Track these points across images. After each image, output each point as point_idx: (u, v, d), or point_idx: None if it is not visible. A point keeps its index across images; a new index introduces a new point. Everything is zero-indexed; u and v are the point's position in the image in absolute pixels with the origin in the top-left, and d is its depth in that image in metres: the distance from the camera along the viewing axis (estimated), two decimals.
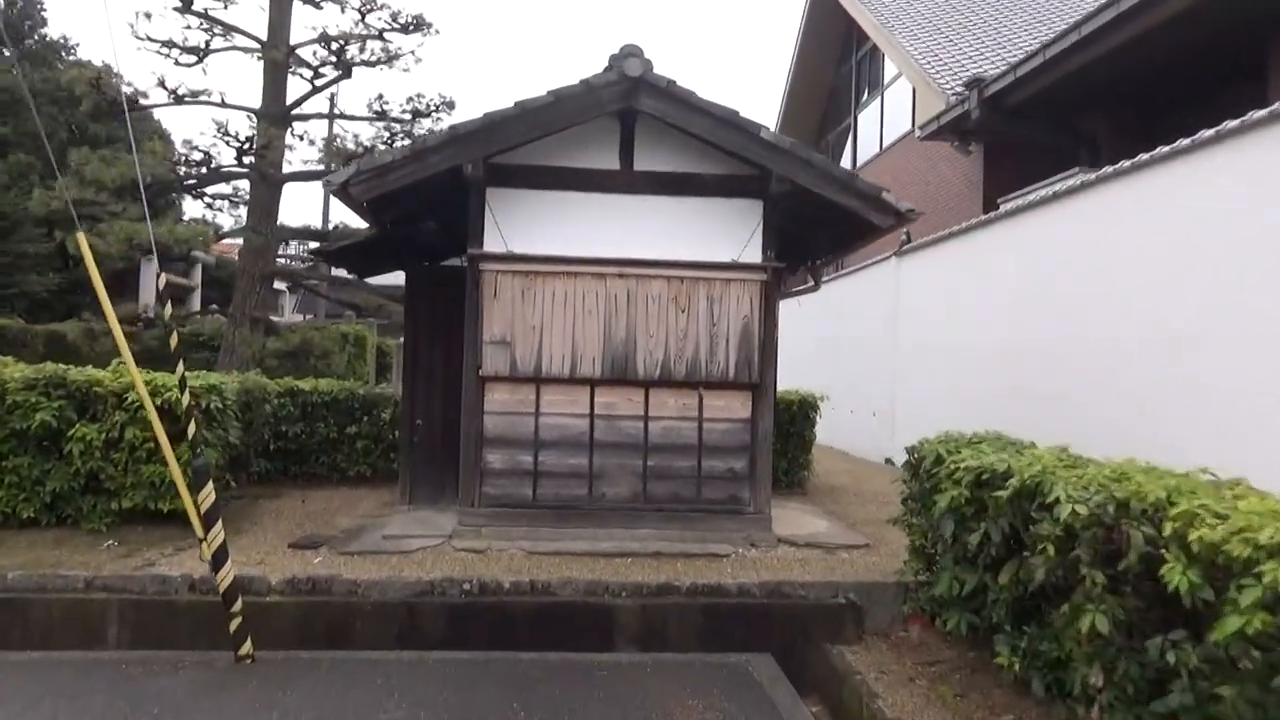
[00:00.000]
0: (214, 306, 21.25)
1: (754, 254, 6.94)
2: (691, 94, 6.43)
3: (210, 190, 13.12)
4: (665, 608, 5.69)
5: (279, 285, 16.54)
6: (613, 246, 6.84)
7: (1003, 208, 11.16)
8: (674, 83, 6.41)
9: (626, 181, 6.92)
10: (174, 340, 4.93)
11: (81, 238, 4.76)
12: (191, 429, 4.91)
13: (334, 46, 11.92)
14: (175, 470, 4.95)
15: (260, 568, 5.94)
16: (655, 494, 6.91)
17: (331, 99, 24.72)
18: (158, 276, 4.96)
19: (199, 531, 4.88)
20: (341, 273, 12.13)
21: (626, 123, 6.92)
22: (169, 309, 4.98)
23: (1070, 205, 8.90)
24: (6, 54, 21.64)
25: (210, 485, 4.89)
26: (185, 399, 4.93)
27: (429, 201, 7.21)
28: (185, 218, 19.47)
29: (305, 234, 13.10)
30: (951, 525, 4.85)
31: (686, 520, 6.87)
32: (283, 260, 14.54)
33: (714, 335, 6.90)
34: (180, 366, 4.96)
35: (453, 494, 7.87)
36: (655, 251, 6.87)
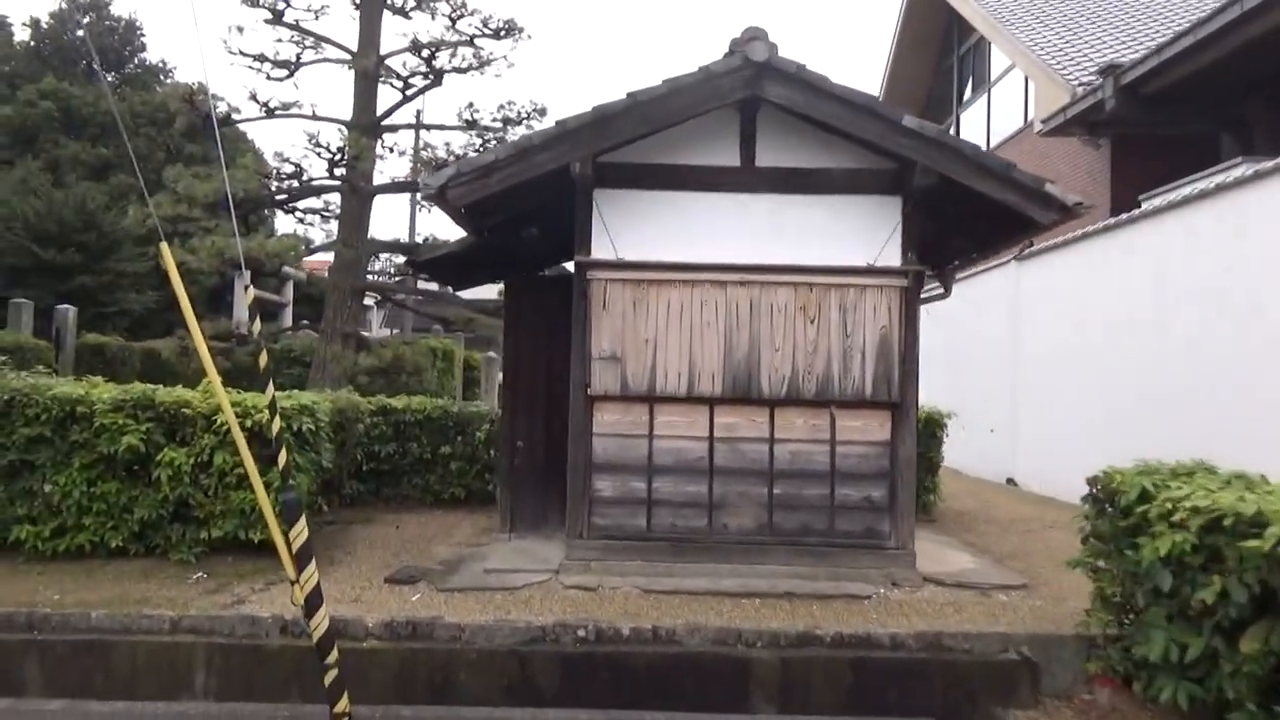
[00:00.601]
0: (305, 322, 21.35)
1: (892, 256, 6.19)
2: (825, 79, 5.73)
3: (301, 205, 12.92)
4: (807, 661, 4.96)
5: (367, 300, 16.36)
6: (733, 251, 6.18)
7: (1144, 205, 10.14)
8: (804, 67, 5.73)
9: (747, 179, 6.26)
10: (263, 358, 4.45)
11: (165, 250, 4.31)
12: (283, 457, 4.42)
13: (425, 54, 11.58)
14: (264, 502, 4.45)
15: (356, 606, 5.43)
16: (782, 525, 6.20)
17: (418, 114, 24.72)
18: (245, 290, 4.49)
19: (290, 572, 4.37)
20: (431, 286, 11.75)
21: (747, 114, 6.26)
22: (258, 324, 4.51)
23: (1232, 200, 7.92)
24: (109, 78, 22.18)
25: (303, 520, 4.37)
26: (276, 424, 4.44)
27: (530, 206, 6.66)
28: (277, 233, 19.52)
29: (394, 247, 12.79)
30: (1168, 577, 4.02)
31: (818, 555, 6.14)
32: (372, 275, 14.31)
33: (848, 348, 6.17)
34: (270, 388, 4.48)
35: (556, 521, 7.29)
36: (781, 256, 6.18)
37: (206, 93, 11.96)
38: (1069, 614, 5.49)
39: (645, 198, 6.24)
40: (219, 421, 6.15)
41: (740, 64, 5.70)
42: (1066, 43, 14.52)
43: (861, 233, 6.20)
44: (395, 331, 25.09)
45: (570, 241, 6.41)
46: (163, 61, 29.77)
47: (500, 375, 10.08)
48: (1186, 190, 9.14)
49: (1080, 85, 12.47)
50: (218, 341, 12.20)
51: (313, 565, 4.40)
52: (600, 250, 6.20)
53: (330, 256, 12.46)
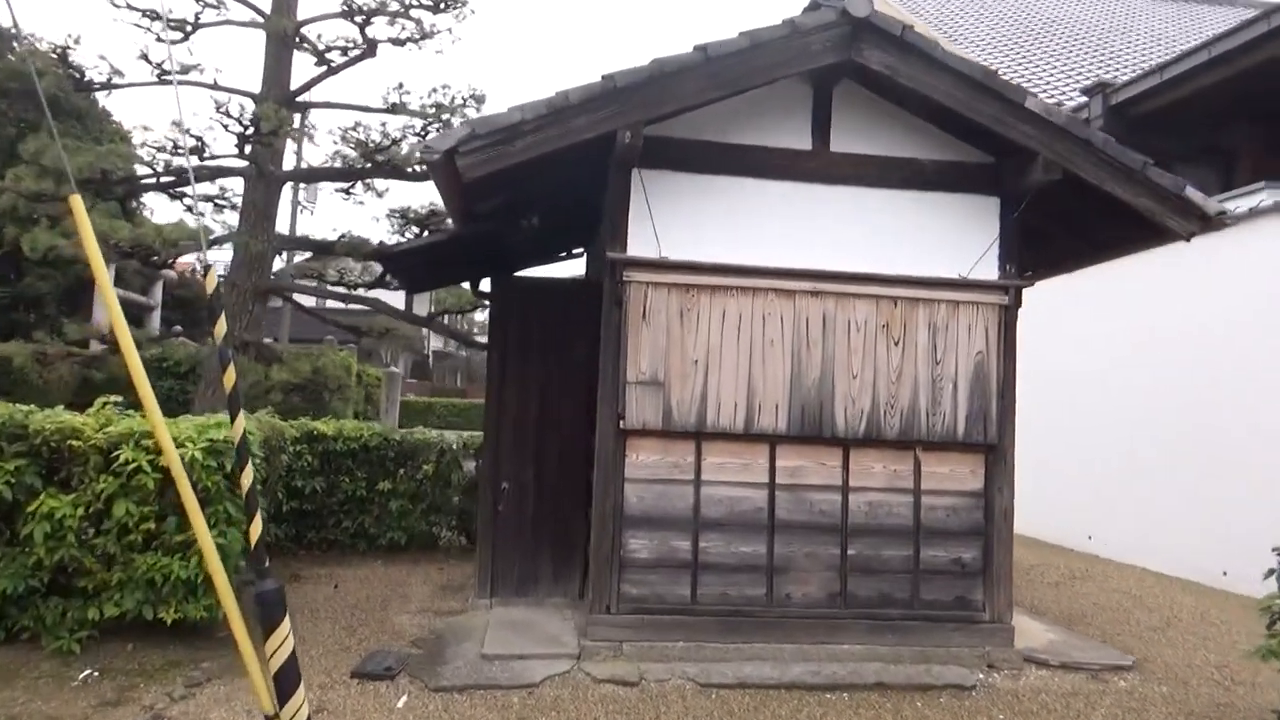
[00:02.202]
0: (178, 329, 18.90)
1: (989, 268, 5.15)
2: (936, 44, 4.65)
3: (190, 190, 10.95)
4: None
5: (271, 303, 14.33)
6: (803, 254, 5.01)
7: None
8: (910, 28, 4.63)
9: (821, 167, 5.10)
10: (229, 377, 2.94)
11: (78, 204, 2.77)
12: (255, 528, 2.92)
13: (359, 20, 9.95)
14: (220, 581, 2.93)
15: None
16: (858, 594, 5.02)
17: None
18: (205, 272, 2.96)
19: (265, 702, 2.87)
20: (377, 293, 10.09)
21: (823, 87, 5.11)
22: (222, 325, 2.99)
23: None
24: None
25: (286, 623, 2.89)
26: (247, 477, 2.95)
27: (542, 187, 5.30)
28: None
29: (308, 244, 10.99)
30: None
31: (900, 631, 4.98)
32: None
33: (936, 377, 5.07)
34: (241, 419, 2.97)
35: (548, 583, 5.91)
36: (859, 262, 5.05)
37: (69, 64, 9.94)
38: (1215, 709, 4.53)
39: (698, 184, 4.99)
40: (121, 458, 4.48)
41: (836, 19, 4.55)
42: (1023, 67, 14.12)
43: (954, 238, 5.13)
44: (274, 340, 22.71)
45: (583, 232, 5.14)
46: (15, 27, 26.39)
47: (398, 396, 8.60)
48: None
49: (1058, 104, 11.98)
50: (80, 349, 10.12)
51: (302, 692, 2.92)
52: (640, 246, 4.90)
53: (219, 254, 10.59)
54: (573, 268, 11.56)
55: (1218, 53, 9.22)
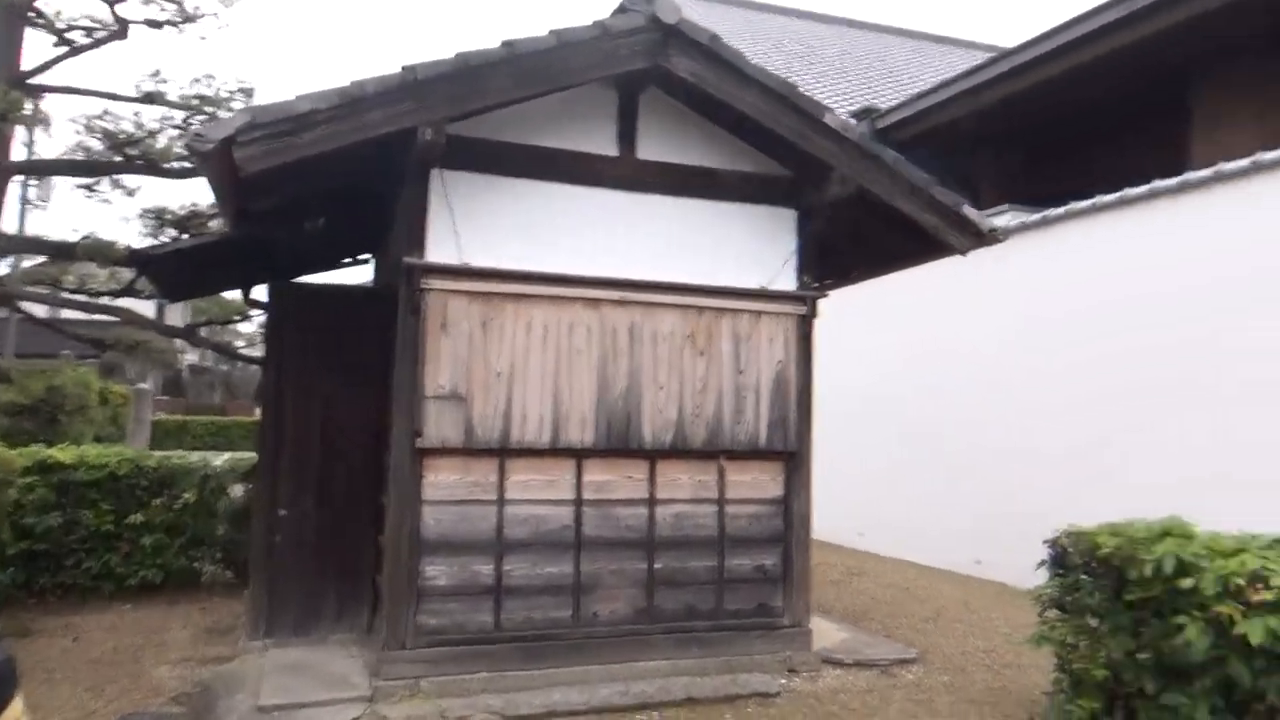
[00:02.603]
0: None
1: (788, 279, 5.27)
2: (741, 55, 4.69)
3: None
4: None
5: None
6: (611, 262, 4.89)
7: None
8: (718, 38, 4.64)
9: (628, 174, 5.01)
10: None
11: None
12: None
13: None
14: None
15: None
16: (665, 608, 4.95)
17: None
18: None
19: None
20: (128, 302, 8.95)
21: (630, 94, 5.01)
22: None
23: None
24: None
25: (18, 702, 2.36)
26: None
27: (328, 185, 4.85)
28: None
29: (41, 246, 9.56)
30: (1249, 673, 3.39)
31: (706, 644, 4.97)
32: None
33: (740, 387, 5.11)
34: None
35: (334, 618, 5.42)
36: (666, 272, 5.00)
37: None
38: (991, 694, 4.84)
39: (502, 187, 4.74)
40: None
41: (645, 24, 4.47)
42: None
43: (756, 249, 5.21)
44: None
45: (373, 236, 4.76)
46: None
47: (149, 415, 7.78)
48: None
49: None
50: None
51: None
52: (440, 252, 4.59)
53: None
54: (359, 275, 10.86)
55: (964, 87, 10.15)
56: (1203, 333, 6.46)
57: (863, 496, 10.17)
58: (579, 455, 4.83)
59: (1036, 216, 8.27)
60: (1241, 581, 3.44)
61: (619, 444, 4.86)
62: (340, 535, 5.41)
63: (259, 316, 9.38)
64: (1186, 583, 3.63)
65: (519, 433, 4.68)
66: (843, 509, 10.51)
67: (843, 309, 10.60)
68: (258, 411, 6.81)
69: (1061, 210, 7.91)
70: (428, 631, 4.53)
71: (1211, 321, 6.42)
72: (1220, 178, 6.51)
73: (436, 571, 4.57)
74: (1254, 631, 3.28)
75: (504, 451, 4.69)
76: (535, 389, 4.72)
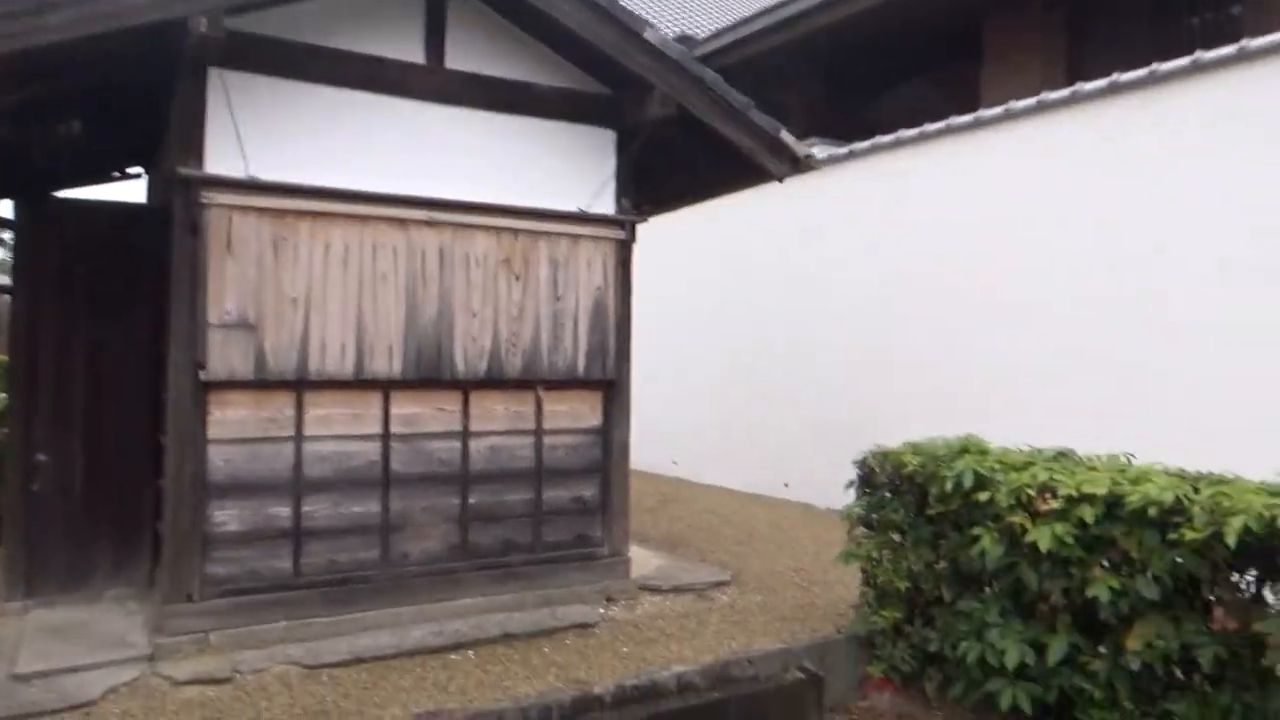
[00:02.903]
0: None
1: (607, 202, 5.10)
2: None
3: None
4: None
5: None
6: (419, 180, 4.54)
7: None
8: None
9: (438, 85, 4.62)
10: None
11: None
12: None
13: None
14: None
15: None
16: (481, 544, 4.77)
17: None
18: None
19: None
20: None
21: None
22: None
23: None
24: None
25: None
26: None
27: (89, 83, 4.17)
28: None
29: None
30: (1036, 577, 3.61)
31: (524, 578, 4.84)
32: None
33: (558, 314, 4.93)
34: None
35: (109, 572, 4.89)
36: (479, 191, 4.70)
37: None
38: (801, 610, 5.02)
39: (296, 93, 4.25)
40: None
41: None
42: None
43: (574, 170, 4.98)
44: None
45: (145, 146, 4.18)
46: None
47: None
48: None
49: None
50: None
51: None
52: (222, 163, 4.07)
53: None
54: (135, 191, 9.72)
55: (776, 19, 10.23)
56: (1009, 261, 6.82)
57: (677, 425, 10.33)
58: (386, 387, 4.51)
59: (844, 150, 8.47)
60: (1032, 493, 3.64)
61: (430, 374, 4.58)
62: (113, 480, 4.84)
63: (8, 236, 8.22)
64: (983, 496, 3.83)
65: (318, 363, 4.31)
66: (658, 437, 10.64)
67: (665, 236, 10.64)
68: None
69: (867, 144, 8.14)
70: (217, 581, 4.14)
71: (1010, 248, 6.81)
72: (1010, 115, 6.86)
73: (226, 516, 4.17)
74: (1042, 538, 3.49)
75: (302, 384, 4.30)
76: (336, 316, 4.34)
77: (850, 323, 8.18)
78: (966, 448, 4.24)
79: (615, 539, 5.13)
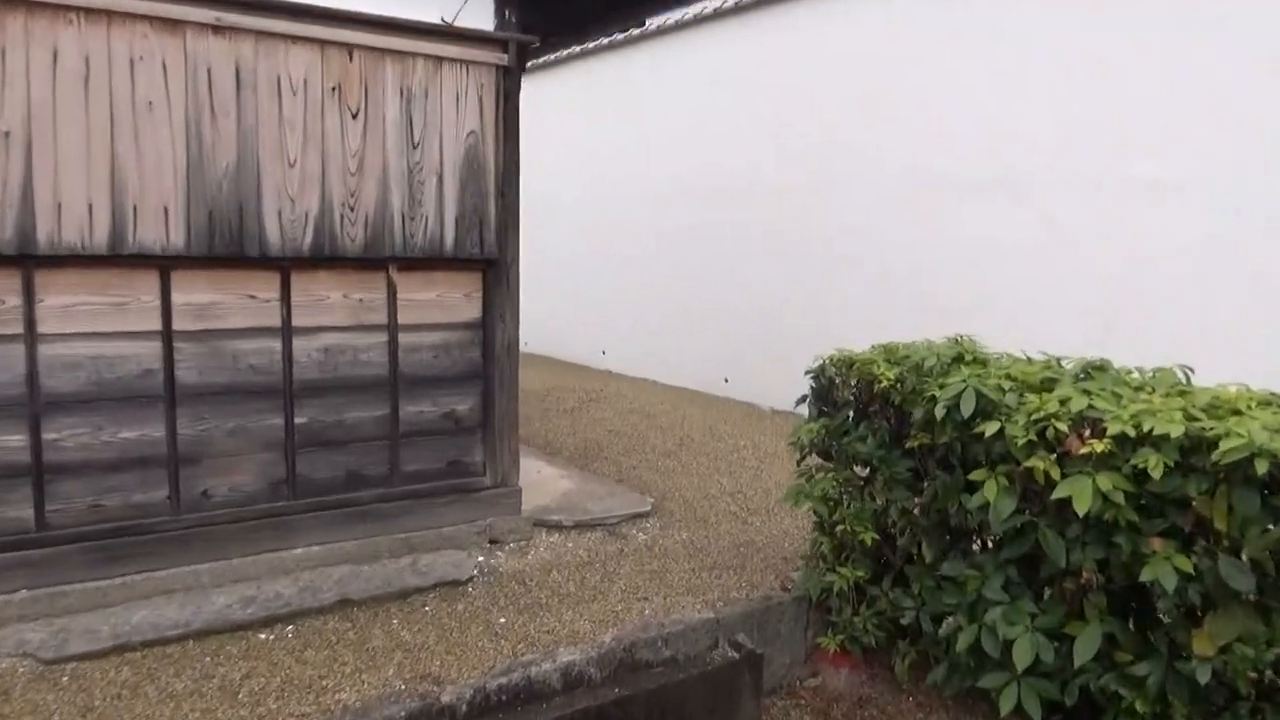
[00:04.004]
0: None
1: (483, 13, 3.72)
2: None
3: None
4: None
5: None
6: None
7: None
8: None
9: None
10: None
11: None
12: None
13: None
14: None
15: None
16: (315, 478, 3.58)
17: None
18: None
19: None
20: None
21: None
22: None
23: None
24: None
25: None
26: None
27: None
28: None
29: None
30: (1062, 545, 2.54)
31: (377, 518, 3.69)
32: None
33: (414, 167, 3.61)
34: None
35: None
36: None
37: None
38: (737, 554, 3.97)
39: None
40: None
41: None
42: None
43: None
44: None
45: None
46: None
47: None
48: None
49: None
50: None
51: None
52: None
53: None
54: None
55: None
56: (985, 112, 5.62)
57: (608, 311, 9.14)
58: (164, 265, 3.20)
59: None
60: (1062, 426, 2.54)
61: (229, 249, 3.28)
62: None
63: None
64: (988, 428, 2.71)
65: (51, 230, 2.98)
66: (585, 325, 9.48)
67: (575, 87, 9.15)
68: None
69: None
70: None
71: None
72: None
73: None
74: (1079, 494, 2.40)
75: (28, 259, 2.98)
76: (77, 160, 2.99)
77: (802, 197, 6.95)
78: (961, 355, 3.12)
79: (501, 464, 3.98)
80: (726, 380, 7.76)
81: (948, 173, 5.88)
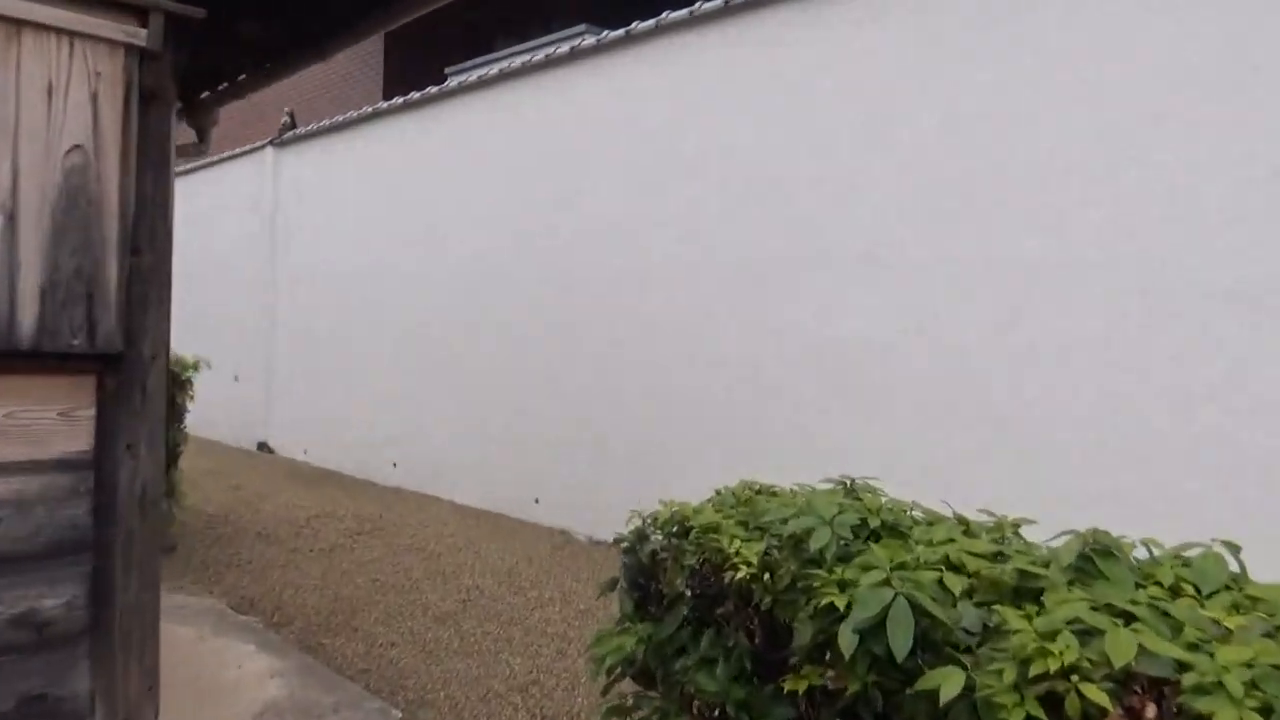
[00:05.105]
0: None
1: None
2: None
3: None
4: None
5: None
6: None
7: (451, 83, 7.74)
8: None
9: None
10: None
11: None
12: None
13: None
14: None
15: None
16: None
17: None
18: None
19: None
20: None
21: None
22: None
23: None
24: None
25: None
26: None
27: None
28: None
29: None
30: None
31: None
32: None
33: None
34: None
35: None
36: None
37: None
38: None
39: None
40: None
41: None
42: None
43: None
44: None
45: None
46: None
47: None
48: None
49: None
50: None
51: None
52: None
53: None
54: None
55: None
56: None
57: (400, 416, 7.64)
58: None
59: (620, 33, 6.07)
60: (1099, 696, 1.32)
61: None
62: None
63: None
64: (947, 684, 1.47)
65: None
66: (371, 432, 7.92)
67: (337, 156, 7.82)
68: None
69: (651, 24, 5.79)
70: None
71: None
72: None
73: None
74: None
75: None
76: None
77: (620, 283, 5.83)
78: (865, 520, 1.89)
79: (126, 695, 2.40)
80: (537, 501, 6.38)
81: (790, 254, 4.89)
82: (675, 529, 2.03)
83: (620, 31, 5.95)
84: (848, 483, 2.12)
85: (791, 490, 2.22)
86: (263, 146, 9.66)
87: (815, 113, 4.91)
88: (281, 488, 7.11)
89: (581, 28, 7.21)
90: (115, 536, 2.37)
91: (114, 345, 2.32)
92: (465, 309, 7.01)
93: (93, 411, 2.35)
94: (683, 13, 5.55)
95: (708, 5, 5.36)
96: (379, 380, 7.84)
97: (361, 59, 11.57)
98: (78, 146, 2.25)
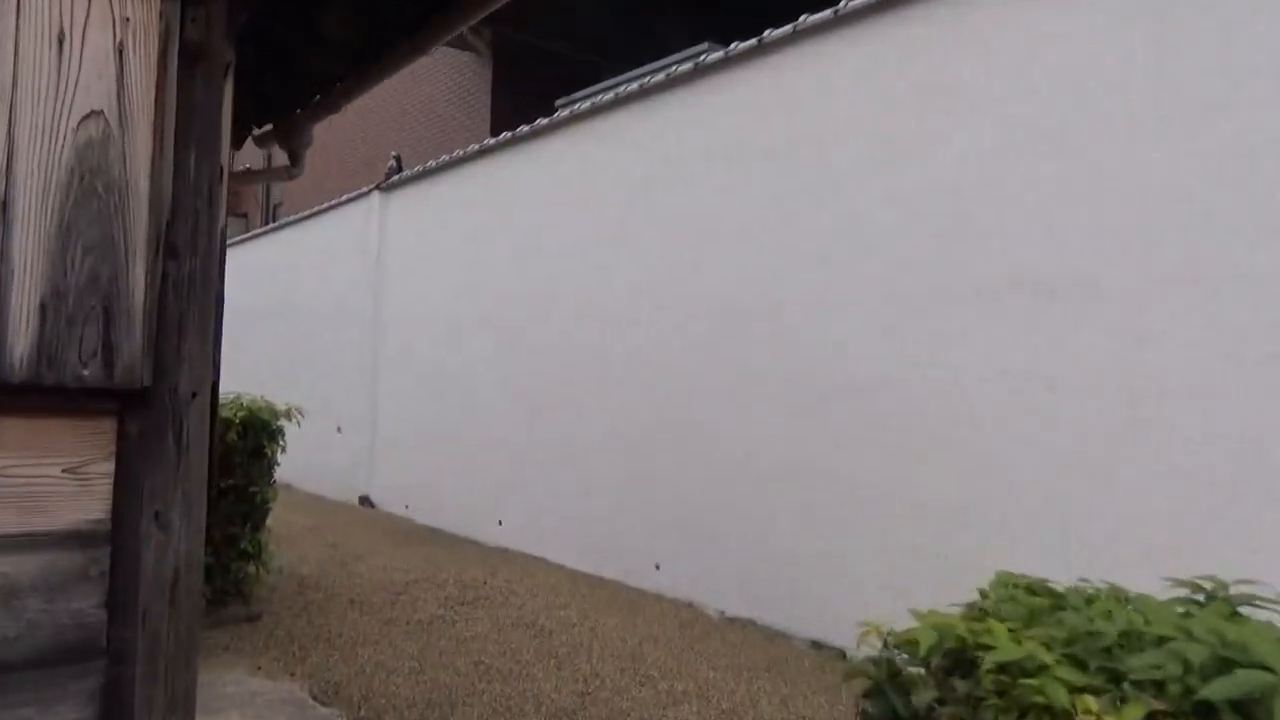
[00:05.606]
0: None
1: None
2: None
3: None
4: None
5: None
6: None
7: (561, 113, 7.26)
8: None
9: None
10: None
11: None
12: None
13: None
14: None
15: None
16: None
17: None
18: None
19: None
20: None
21: None
22: None
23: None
24: None
25: None
26: None
27: None
28: None
29: None
30: None
31: None
32: None
33: None
34: None
35: None
36: None
37: None
38: None
39: None
40: None
41: None
42: None
43: None
44: None
45: None
46: None
47: None
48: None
49: None
50: None
51: None
52: None
53: None
54: None
55: None
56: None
57: (506, 471, 7.09)
58: None
59: (751, 43, 5.47)
60: None
61: None
62: None
63: None
64: None
65: None
66: (476, 488, 7.37)
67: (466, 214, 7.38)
68: None
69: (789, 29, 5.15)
70: None
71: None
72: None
73: None
74: None
75: None
76: None
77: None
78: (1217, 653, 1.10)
79: None
80: (658, 567, 5.66)
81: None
82: (947, 662, 1.28)
83: (751, 41, 5.34)
84: (1208, 588, 1.33)
85: (1088, 590, 1.44)
86: (369, 192, 9.43)
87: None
88: (379, 546, 6.59)
89: (704, 45, 6.65)
90: (136, 637, 1.76)
91: (139, 378, 1.73)
92: (580, 354, 6.42)
93: (110, 466, 1.76)
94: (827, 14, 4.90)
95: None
96: (484, 430, 7.32)
97: (468, 103, 11.38)
98: (96, 113, 1.69)
